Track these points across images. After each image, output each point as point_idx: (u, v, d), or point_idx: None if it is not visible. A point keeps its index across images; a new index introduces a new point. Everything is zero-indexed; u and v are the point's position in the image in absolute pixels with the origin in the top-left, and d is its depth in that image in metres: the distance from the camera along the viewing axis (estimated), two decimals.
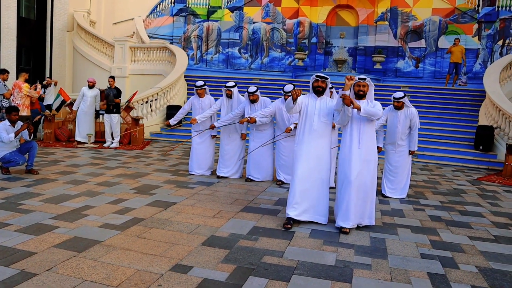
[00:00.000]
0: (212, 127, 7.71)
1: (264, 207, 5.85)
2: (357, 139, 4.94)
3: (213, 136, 8.02)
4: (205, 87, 7.96)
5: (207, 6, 22.10)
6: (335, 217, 5.12)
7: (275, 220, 5.20)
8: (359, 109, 4.76)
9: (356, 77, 5.06)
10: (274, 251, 4.15)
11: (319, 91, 5.10)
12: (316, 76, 5.12)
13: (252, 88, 7.39)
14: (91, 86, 11.49)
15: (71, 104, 11.94)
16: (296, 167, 5.04)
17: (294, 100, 4.95)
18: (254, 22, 21.46)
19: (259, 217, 5.31)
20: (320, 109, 5.04)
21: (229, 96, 7.67)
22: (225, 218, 5.15)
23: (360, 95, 5.00)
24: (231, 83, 7.68)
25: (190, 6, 22.23)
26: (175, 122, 8.21)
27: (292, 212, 4.98)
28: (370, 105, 4.95)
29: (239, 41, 21.59)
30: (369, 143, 4.99)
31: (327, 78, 5.13)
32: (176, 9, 22.28)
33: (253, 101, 7.43)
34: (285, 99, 7.09)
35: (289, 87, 6.92)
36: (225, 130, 7.69)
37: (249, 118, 7.09)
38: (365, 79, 5.01)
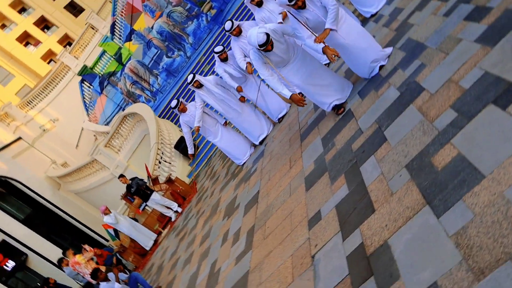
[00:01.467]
0: (197, 129, 7.71)
1: (311, 121, 5.86)
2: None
3: (225, 123, 8.00)
4: (181, 101, 7.92)
5: (112, 59, 21.81)
6: (361, 75, 5.06)
7: (329, 119, 5.21)
8: (328, 32, 4.52)
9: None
10: (353, 135, 4.18)
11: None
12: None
13: (218, 48, 7.38)
14: (107, 213, 11.65)
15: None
16: (294, 80, 5.01)
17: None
18: (152, 27, 21.01)
19: (317, 131, 5.34)
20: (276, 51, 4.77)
21: (199, 86, 7.57)
22: (299, 159, 5.20)
23: (302, 7, 4.68)
24: (189, 77, 7.60)
25: (101, 73, 21.99)
26: (192, 148, 8.21)
27: (329, 102, 4.98)
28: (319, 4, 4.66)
29: (159, 51, 21.25)
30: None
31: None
32: (97, 87, 22.11)
33: (224, 59, 7.38)
34: (234, 35, 7.08)
35: (228, 25, 7.04)
36: (224, 108, 7.62)
37: (239, 94, 7.38)
38: None
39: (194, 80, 7.49)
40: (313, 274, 3.07)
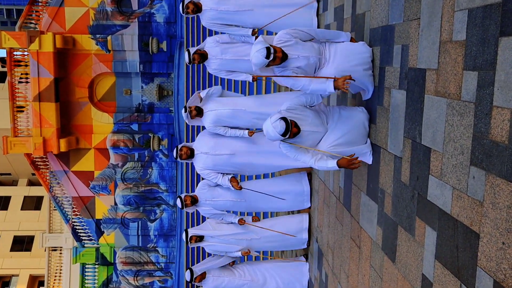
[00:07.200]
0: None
1: (343, 182, 5.89)
2: None
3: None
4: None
5: (96, 267, 22.07)
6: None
7: (359, 168, 5.21)
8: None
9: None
10: (395, 168, 4.21)
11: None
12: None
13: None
14: None
15: None
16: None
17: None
18: (115, 204, 21.55)
19: (356, 189, 5.36)
20: None
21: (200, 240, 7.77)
22: (360, 232, 5.16)
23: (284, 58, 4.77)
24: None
25: None
26: None
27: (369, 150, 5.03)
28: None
29: (139, 222, 21.57)
30: None
31: None
32: None
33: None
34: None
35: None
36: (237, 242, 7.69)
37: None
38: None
39: (189, 238, 7.61)
40: None
